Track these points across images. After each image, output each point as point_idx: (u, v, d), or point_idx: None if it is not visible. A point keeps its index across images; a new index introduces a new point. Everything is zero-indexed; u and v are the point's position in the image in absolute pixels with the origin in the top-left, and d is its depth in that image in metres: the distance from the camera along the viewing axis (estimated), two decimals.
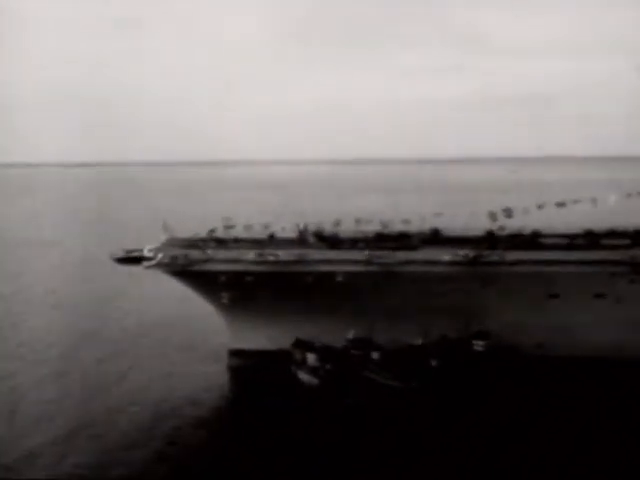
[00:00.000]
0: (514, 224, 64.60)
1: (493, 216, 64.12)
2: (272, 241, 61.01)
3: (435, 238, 62.34)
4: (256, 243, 59.69)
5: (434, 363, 54.20)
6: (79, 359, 60.15)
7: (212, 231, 62.53)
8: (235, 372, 57.69)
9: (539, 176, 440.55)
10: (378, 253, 55.25)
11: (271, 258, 54.98)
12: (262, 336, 59.06)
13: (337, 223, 64.14)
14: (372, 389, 51.98)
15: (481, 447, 43.33)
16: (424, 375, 52.97)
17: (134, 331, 68.58)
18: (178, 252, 56.07)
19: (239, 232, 63.23)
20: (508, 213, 64.43)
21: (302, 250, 56.35)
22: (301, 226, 64.01)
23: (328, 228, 64.14)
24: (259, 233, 62.99)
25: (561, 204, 65.97)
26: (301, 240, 61.04)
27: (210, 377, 56.48)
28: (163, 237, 60.38)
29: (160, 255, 55.32)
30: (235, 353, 59.77)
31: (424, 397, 50.54)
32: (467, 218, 67.12)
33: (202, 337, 66.59)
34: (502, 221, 64.21)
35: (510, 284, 55.18)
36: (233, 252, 56.49)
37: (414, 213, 70.39)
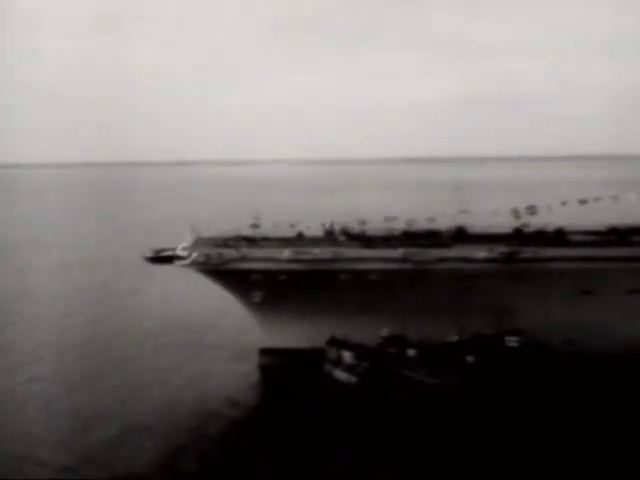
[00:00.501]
0: (531, 221, 64.90)
1: (516, 213, 64.26)
2: (301, 239, 60.73)
3: (461, 235, 62.36)
4: (285, 242, 59.40)
5: (470, 360, 54.36)
6: (109, 360, 59.70)
7: (236, 230, 62.00)
8: (267, 371, 57.51)
9: (520, 175, 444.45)
10: (413, 251, 55.29)
11: (307, 256, 54.82)
12: (293, 334, 58.83)
13: (363, 222, 64.02)
14: (410, 386, 52.05)
15: (516, 444, 43.53)
16: (461, 372, 53.14)
17: (158, 331, 68.26)
18: (212, 251, 55.70)
19: (265, 231, 62.75)
20: (532, 210, 64.60)
21: (337, 248, 56.23)
22: (327, 225, 63.91)
23: (353, 226, 64.00)
24: (285, 232, 62.62)
25: (583, 201, 66.33)
26: (331, 238, 60.85)
27: (243, 376, 56.39)
28: (190, 236, 59.75)
29: (195, 254, 54.96)
30: (265, 352, 59.49)
31: (462, 394, 50.76)
32: (487, 216, 67.13)
33: (227, 336, 66.67)
34: (525, 218, 64.36)
35: (543, 281, 55.52)
36: (267, 250, 56.24)
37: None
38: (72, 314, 76.65)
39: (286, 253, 55.29)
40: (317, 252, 55.27)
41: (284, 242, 59.33)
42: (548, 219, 65.00)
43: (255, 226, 62.94)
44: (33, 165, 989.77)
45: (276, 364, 58.27)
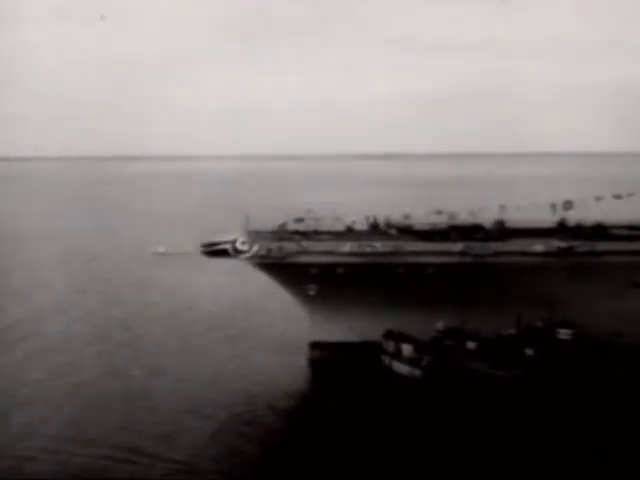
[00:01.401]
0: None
1: (553, 208, 65.27)
2: (351, 233, 60.60)
3: (505, 229, 62.91)
4: (339, 235, 59.28)
5: (529, 352, 55.03)
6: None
7: (283, 224, 61.52)
8: (319, 365, 57.53)
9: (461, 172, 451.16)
10: (472, 244, 55.79)
11: (368, 249, 54.85)
12: (345, 328, 58.76)
13: (407, 216, 64.23)
14: (475, 379, 52.47)
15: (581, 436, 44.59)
16: (521, 364, 53.80)
17: (202, 326, 67.79)
18: (273, 244, 55.34)
19: (310, 225, 62.38)
20: (568, 206, 65.73)
21: (397, 242, 56.35)
22: (371, 219, 63.96)
23: (397, 220, 64.17)
24: (330, 226, 62.39)
25: (618, 196, 67.70)
26: (380, 232, 60.87)
27: (296, 370, 56.43)
28: (242, 229, 59.03)
29: (256, 247, 54.50)
30: (316, 345, 59.41)
31: (527, 385, 51.43)
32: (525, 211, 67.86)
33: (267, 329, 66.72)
34: (561, 213, 65.35)
35: (595, 274, 56.53)
36: (328, 244, 56.08)
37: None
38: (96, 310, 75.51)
39: (347, 246, 55.19)
40: (378, 246, 55.30)
41: (338, 235, 59.16)
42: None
43: (300, 220, 62.69)
44: None
45: (328, 358, 58.19)
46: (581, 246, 55.99)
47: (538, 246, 55.84)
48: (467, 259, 55.54)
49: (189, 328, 67.62)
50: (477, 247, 55.79)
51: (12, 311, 75.30)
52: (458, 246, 55.90)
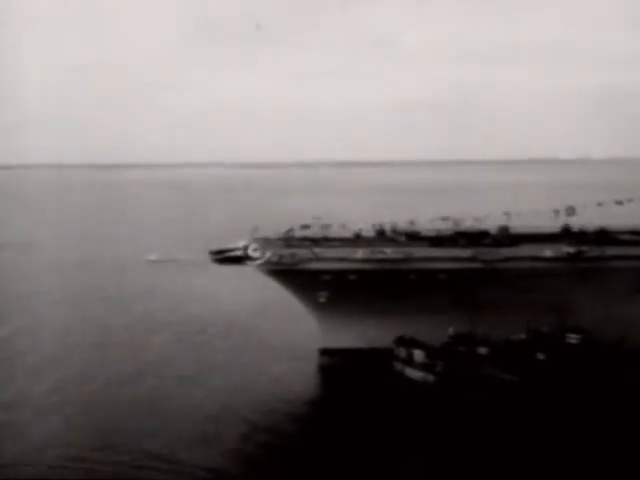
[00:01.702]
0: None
1: (556, 214, 65.90)
2: (359, 240, 60.76)
3: (511, 235, 63.35)
4: (349, 241, 59.44)
5: (540, 357, 55.39)
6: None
7: (289, 231, 61.52)
8: (329, 372, 57.42)
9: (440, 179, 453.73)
10: (482, 250, 56.17)
11: (380, 256, 55.04)
12: (354, 335, 58.90)
13: (412, 222, 64.54)
14: (488, 384, 52.67)
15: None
16: (533, 369, 54.13)
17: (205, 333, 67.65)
18: (284, 251, 55.37)
19: (317, 232, 62.48)
20: (571, 211, 66.39)
21: (408, 248, 56.59)
22: (377, 226, 64.18)
23: (403, 227, 64.45)
24: (337, 233, 62.47)
25: (619, 202, 68.46)
26: (388, 239, 61.11)
27: (311, 377, 56.41)
28: (251, 236, 58.94)
29: (268, 254, 54.49)
30: (325, 352, 59.46)
31: (539, 390, 51.74)
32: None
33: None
34: (564, 219, 66.02)
35: (602, 279, 57.13)
36: (340, 250, 56.22)
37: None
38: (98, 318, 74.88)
39: (359, 253, 55.36)
40: (389, 252, 55.52)
41: (348, 242, 59.29)
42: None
43: (306, 227, 62.77)
44: None
45: (338, 365, 58.19)
46: (589, 251, 56.53)
47: (547, 251, 56.32)
48: (477, 265, 55.89)
49: (190, 336, 67.04)
50: (486, 253, 56.15)
51: (11, 320, 74.50)
52: (467, 252, 56.26)
